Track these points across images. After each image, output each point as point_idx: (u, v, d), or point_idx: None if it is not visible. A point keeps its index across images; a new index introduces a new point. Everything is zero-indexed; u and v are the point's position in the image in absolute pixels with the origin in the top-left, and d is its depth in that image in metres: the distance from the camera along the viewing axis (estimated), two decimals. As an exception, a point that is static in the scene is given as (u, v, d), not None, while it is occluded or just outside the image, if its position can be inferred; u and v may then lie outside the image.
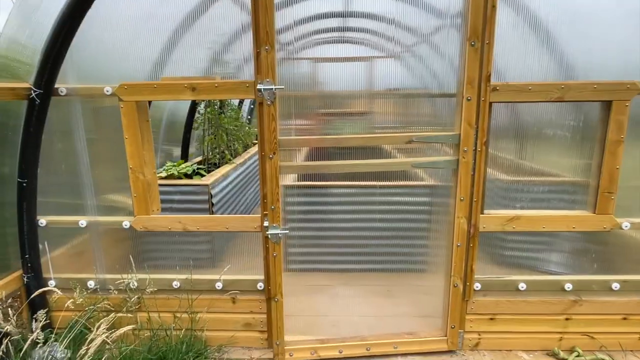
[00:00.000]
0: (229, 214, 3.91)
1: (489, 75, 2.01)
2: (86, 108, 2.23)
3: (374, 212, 3.25)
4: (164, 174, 3.59)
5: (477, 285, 2.28)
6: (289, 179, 2.99)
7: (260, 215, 2.19)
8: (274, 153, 2.03)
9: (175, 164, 3.77)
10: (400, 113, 2.29)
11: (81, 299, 2.21)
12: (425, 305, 2.79)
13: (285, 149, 2.13)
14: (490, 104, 2.05)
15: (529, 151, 2.29)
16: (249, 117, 8.28)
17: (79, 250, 2.43)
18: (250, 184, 4.99)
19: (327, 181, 3.17)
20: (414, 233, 3.00)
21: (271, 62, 1.94)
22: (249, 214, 4.95)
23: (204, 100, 4.38)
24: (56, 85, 2.14)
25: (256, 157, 6.36)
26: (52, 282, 2.39)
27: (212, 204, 3.47)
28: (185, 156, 4.65)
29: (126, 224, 2.28)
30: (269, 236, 2.10)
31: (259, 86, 1.97)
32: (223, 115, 4.62)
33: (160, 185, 3.48)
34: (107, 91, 2.13)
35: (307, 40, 2.24)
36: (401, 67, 2.21)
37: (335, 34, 2.34)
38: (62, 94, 2.16)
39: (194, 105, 4.48)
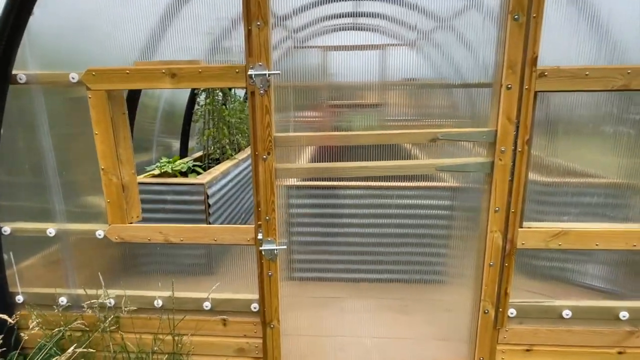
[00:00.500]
0: (227, 216, 3.59)
1: (536, 58, 1.61)
2: (52, 99, 1.90)
3: (387, 215, 2.89)
4: (156, 172, 3.27)
5: (512, 312, 1.91)
6: (292, 178, 2.64)
7: (254, 226, 1.85)
8: (269, 153, 1.68)
9: (170, 160, 3.45)
10: (420, 106, 1.91)
11: (51, 318, 1.92)
12: (447, 325, 2.43)
13: (283, 147, 1.77)
14: (536, 93, 1.65)
15: (577, 151, 1.90)
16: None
17: (50, 261, 2.13)
18: (254, 180, 4.66)
19: (335, 181, 2.81)
20: (432, 240, 2.64)
21: (264, 41, 1.58)
22: (252, 215, 4.63)
23: (204, 90, 4.05)
24: (14, 72, 1.82)
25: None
26: (19, 297, 2.10)
27: (209, 205, 3.15)
28: (184, 150, 4.33)
29: (100, 233, 1.96)
30: (263, 252, 1.76)
31: (249, 72, 1.61)
32: (225, 107, 4.28)
33: (152, 184, 3.18)
34: (73, 78, 1.79)
35: (317, 28, 1.88)
36: (419, 56, 1.82)
37: (348, 20, 1.97)
38: (22, 81, 1.84)
39: (193, 95, 4.15)
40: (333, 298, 2.91)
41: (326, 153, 1.85)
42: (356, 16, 1.99)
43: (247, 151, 4.49)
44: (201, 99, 4.10)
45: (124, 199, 1.96)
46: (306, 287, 3.03)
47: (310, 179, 2.72)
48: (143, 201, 3.17)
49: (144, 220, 3.12)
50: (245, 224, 4.33)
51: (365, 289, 3.00)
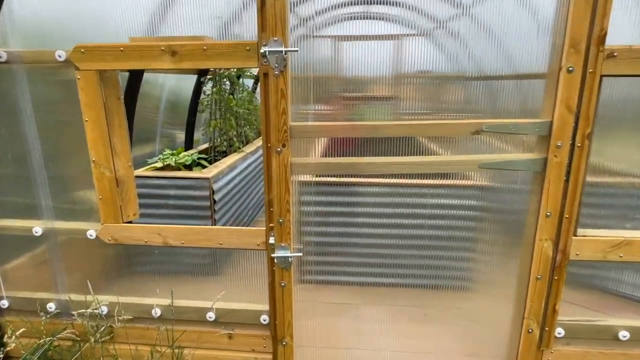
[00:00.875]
0: (234, 212, 3.36)
1: (604, 35, 1.34)
2: (37, 81, 1.68)
3: (408, 215, 2.65)
4: (159, 164, 3.05)
5: (560, 332, 1.66)
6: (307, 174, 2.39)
7: (265, 228, 1.61)
8: (284, 145, 1.44)
9: (173, 152, 3.23)
10: (453, 100, 1.64)
11: (38, 325, 1.71)
12: (474, 338, 2.20)
13: (299, 139, 1.53)
14: (601, 78, 1.39)
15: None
16: (265, 100, 7.70)
17: (37, 263, 1.92)
18: (262, 176, 4.43)
19: (350, 177, 2.57)
20: (457, 244, 2.39)
21: (280, 11, 1.33)
22: (261, 210, 4.40)
23: (211, 79, 3.82)
24: (-7, 48, 1.59)
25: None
26: (4, 302, 1.90)
27: (214, 201, 2.92)
28: (189, 142, 4.11)
29: (91, 233, 1.74)
30: (276, 260, 1.53)
31: (263, 49, 1.37)
32: (232, 97, 4.04)
33: (153, 177, 2.96)
34: (60, 57, 1.56)
35: (328, 17, 1.62)
36: (451, 43, 1.56)
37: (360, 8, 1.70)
38: (2, 59, 1.61)
39: (199, 84, 3.91)
40: (348, 304, 2.68)
41: (339, 148, 1.61)
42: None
43: (256, 144, 4.25)
44: (207, 88, 3.87)
45: (119, 195, 1.73)
46: (319, 291, 2.80)
47: (324, 175, 2.48)
48: (144, 196, 2.96)
49: (144, 217, 2.91)
50: (252, 221, 4.10)
51: (382, 294, 2.77)
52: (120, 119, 1.72)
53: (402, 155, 1.55)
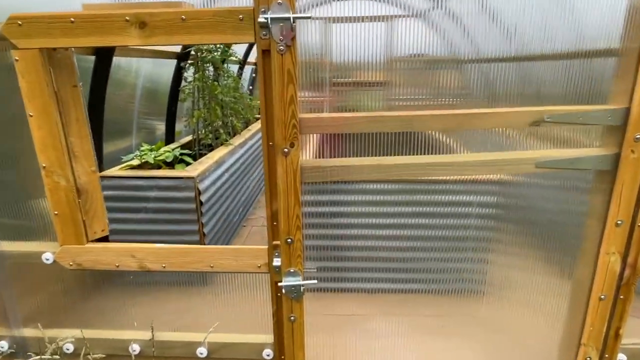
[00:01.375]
0: (223, 213, 3.02)
1: None
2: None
3: (419, 214, 2.36)
4: (135, 162, 2.68)
5: (622, 358, 1.40)
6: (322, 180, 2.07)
7: (267, 247, 1.29)
8: (292, 144, 1.11)
9: (152, 147, 2.85)
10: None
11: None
12: (500, 353, 1.94)
13: (306, 135, 1.20)
14: (695, 52, 1.09)
15: None
16: (251, 87, 7.26)
17: (-16, 292, 1.56)
18: (253, 168, 4.07)
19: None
20: (473, 244, 2.12)
21: (286, -36, 0.98)
22: (251, 206, 4.06)
23: (192, 64, 3.42)
24: None
25: (260, 134, 5.39)
26: (-56, 341, 1.54)
27: (201, 203, 2.58)
28: (170, 135, 3.72)
29: (47, 257, 1.39)
30: (284, 289, 1.21)
31: (261, 17, 1.02)
32: (217, 83, 3.66)
33: (129, 178, 2.60)
34: (-10, 31, 1.18)
35: None
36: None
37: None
38: None
39: (179, 69, 3.51)
40: (356, 316, 2.40)
41: (334, 147, 1.31)
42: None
43: (245, 135, 3.89)
44: (189, 74, 3.47)
45: (81, 208, 1.38)
46: (322, 301, 2.50)
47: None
48: (118, 199, 2.58)
49: (119, 222, 2.54)
50: (243, 219, 3.76)
51: (393, 301, 2.49)
52: (79, 112, 1.36)
53: (410, 153, 1.25)
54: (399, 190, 2.36)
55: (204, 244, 2.66)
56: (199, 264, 1.35)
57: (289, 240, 1.18)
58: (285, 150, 1.10)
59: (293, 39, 1.02)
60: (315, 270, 1.21)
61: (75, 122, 1.36)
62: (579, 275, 1.36)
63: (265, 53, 1.10)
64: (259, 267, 1.33)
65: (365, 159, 1.19)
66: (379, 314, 2.37)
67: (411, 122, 1.11)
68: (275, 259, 1.28)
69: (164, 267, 1.36)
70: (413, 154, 1.28)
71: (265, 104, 1.15)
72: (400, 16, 1.30)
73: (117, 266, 1.37)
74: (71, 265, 1.39)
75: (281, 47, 1.03)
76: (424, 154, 1.29)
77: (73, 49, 1.30)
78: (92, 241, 1.44)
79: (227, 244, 3.20)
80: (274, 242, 1.28)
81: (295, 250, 1.20)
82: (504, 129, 1.31)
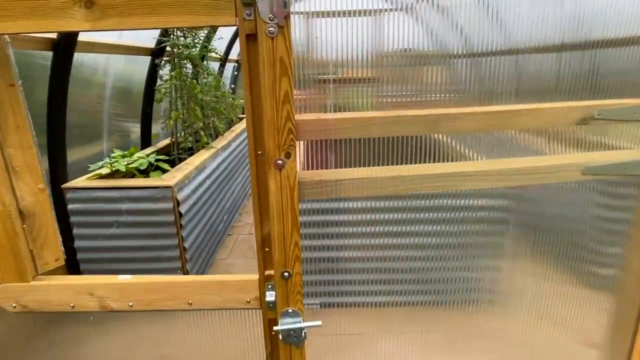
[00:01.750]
0: (205, 224, 2.75)
1: None
2: None
3: (420, 221, 2.16)
4: (105, 171, 2.39)
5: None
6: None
7: (257, 277, 1.05)
8: (288, 154, 0.87)
9: (125, 153, 2.56)
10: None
11: None
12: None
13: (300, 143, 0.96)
14: None
15: None
16: (233, 86, 6.96)
17: None
18: (237, 171, 3.81)
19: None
20: (481, 251, 1.92)
21: None
22: (236, 212, 3.80)
23: (168, 61, 3.14)
24: None
25: (246, 134, 5.02)
26: None
27: (180, 214, 2.32)
28: (146, 139, 3.43)
29: (-16, 298, 1.12)
30: (280, 334, 0.97)
31: (245, -10, 0.78)
32: (196, 82, 3.38)
33: (98, 188, 2.32)
34: None
35: None
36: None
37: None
38: None
39: (154, 67, 3.22)
40: (356, 335, 2.17)
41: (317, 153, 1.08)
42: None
43: (228, 137, 3.62)
44: (165, 72, 3.19)
45: (27, 235, 1.12)
46: (320, 317, 2.28)
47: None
48: (85, 213, 2.29)
49: (86, 239, 2.26)
50: (229, 227, 3.50)
51: (396, 316, 2.28)
52: (19, 117, 1.09)
53: (402, 162, 1.03)
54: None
55: (185, 260, 2.40)
56: (174, 301, 1.10)
57: (286, 274, 0.95)
58: (279, 162, 0.86)
59: (287, 17, 0.78)
60: (319, 306, 0.97)
61: (15, 129, 1.09)
62: (624, 299, 1.17)
63: (250, 38, 0.86)
64: (248, 302, 1.09)
65: (377, 169, 0.96)
66: (381, 331, 2.16)
67: (438, 123, 0.89)
68: (268, 293, 1.04)
69: (131, 306, 1.11)
70: (404, 163, 1.05)
71: (252, 104, 0.91)
72: (388, 10, 1.08)
73: (72, 307, 1.11)
74: (15, 307, 1.12)
75: (272, 29, 0.79)
76: (423, 162, 1.07)
77: (8, 39, 1.04)
78: (44, 274, 1.18)
79: (211, 256, 2.94)
80: (266, 272, 1.05)
81: (294, 286, 0.96)
82: (532, 130, 1.09)
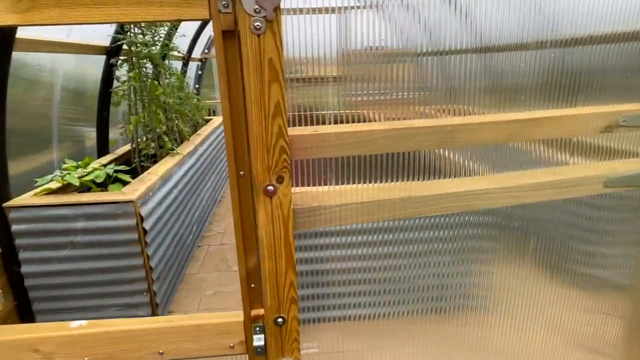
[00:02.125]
0: (173, 238, 2.53)
1: None
2: None
3: (409, 228, 2.05)
4: (55, 185, 2.12)
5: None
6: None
7: (241, 318, 0.89)
8: (280, 178, 0.71)
9: (78, 163, 2.29)
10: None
11: None
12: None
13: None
14: None
15: None
16: (197, 86, 6.64)
17: None
18: (206, 177, 3.57)
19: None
20: (471, 255, 1.85)
21: None
22: (206, 221, 3.56)
23: (125, 61, 2.87)
24: None
25: (217, 135, 4.74)
26: None
27: (145, 231, 2.09)
28: (103, 146, 3.13)
29: None
30: (273, 391, 0.81)
31: (223, -26, 0.61)
32: (158, 83, 3.13)
33: (47, 206, 2.05)
34: None
35: None
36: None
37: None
38: None
39: (109, 67, 2.94)
40: (349, 353, 2.04)
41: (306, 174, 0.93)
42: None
43: (194, 141, 3.38)
44: (122, 72, 2.92)
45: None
46: (309, 335, 2.12)
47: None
48: (33, 235, 2.00)
49: (35, 264, 2.00)
50: (198, 237, 3.27)
51: (389, 329, 2.17)
52: None
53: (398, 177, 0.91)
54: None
55: (152, 280, 2.17)
56: (141, 352, 0.91)
57: (280, 320, 0.79)
58: (270, 188, 0.70)
59: (277, 9, 0.62)
60: (317, 349, 0.83)
61: None
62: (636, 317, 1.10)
63: (227, 35, 0.69)
64: (232, 347, 0.92)
65: (383, 187, 0.82)
66: (373, 348, 2.04)
67: (454, 135, 0.76)
68: (256, 337, 0.88)
69: (86, 359, 0.91)
70: (404, 177, 0.92)
71: (230, 116, 0.74)
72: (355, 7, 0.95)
73: (12, 366, 0.90)
74: None
75: (258, 24, 0.62)
76: (425, 176, 0.94)
77: None
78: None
79: (180, 272, 2.71)
80: (253, 313, 0.88)
81: (289, 333, 0.81)
82: (549, 140, 0.99)
